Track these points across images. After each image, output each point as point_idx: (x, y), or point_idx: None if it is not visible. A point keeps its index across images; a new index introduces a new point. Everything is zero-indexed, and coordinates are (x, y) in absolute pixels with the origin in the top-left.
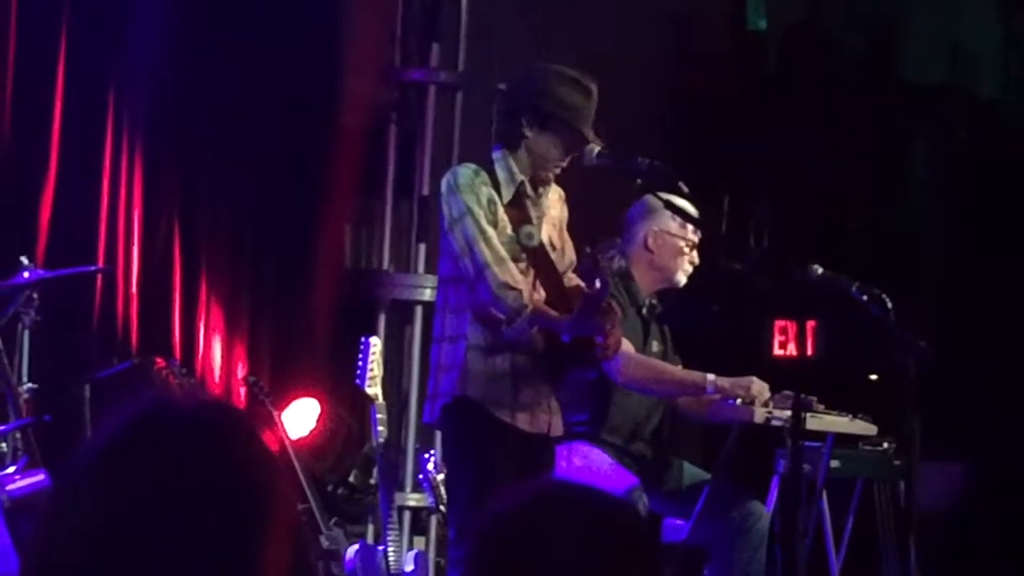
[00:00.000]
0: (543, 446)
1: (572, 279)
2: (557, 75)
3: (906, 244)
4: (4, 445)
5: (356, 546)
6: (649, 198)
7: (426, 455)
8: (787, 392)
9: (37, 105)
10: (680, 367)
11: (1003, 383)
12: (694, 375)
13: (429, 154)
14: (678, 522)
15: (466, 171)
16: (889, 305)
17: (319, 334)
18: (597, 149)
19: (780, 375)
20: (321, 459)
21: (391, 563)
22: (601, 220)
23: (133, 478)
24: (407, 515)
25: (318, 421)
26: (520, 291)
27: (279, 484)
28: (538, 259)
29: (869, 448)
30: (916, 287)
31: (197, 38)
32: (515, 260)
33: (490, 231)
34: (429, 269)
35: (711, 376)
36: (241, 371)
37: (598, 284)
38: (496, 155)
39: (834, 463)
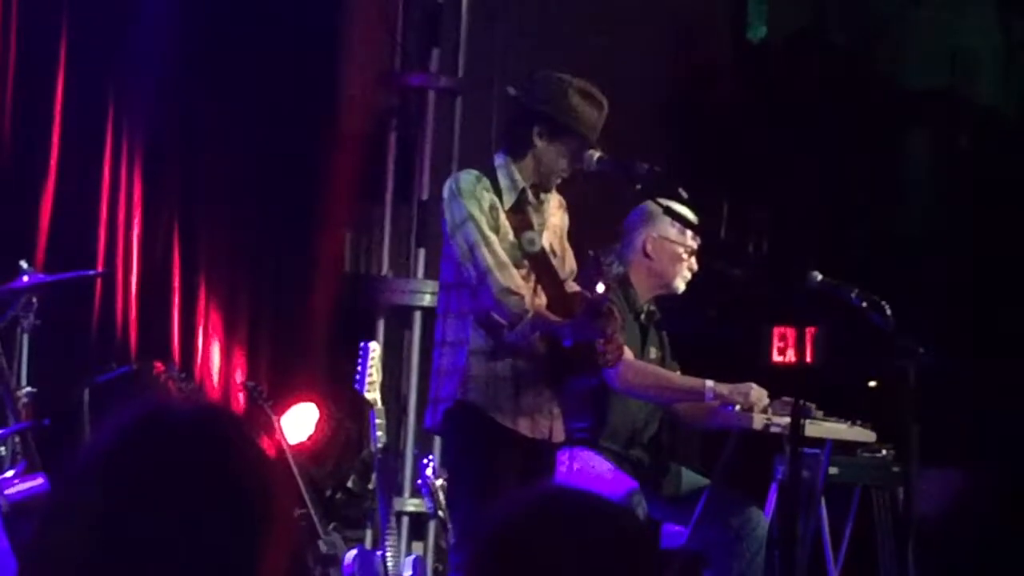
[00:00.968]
0: (544, 451)
1: (572, 287)
2: (574, 87)
3: (906, 250)
4: (3, 449)
5: (354, 551)
6: (648, 204)
7: (425, 460)
8: (786, 398)
9: (37, 109)
10: (679, 373)
11: (1002, 389)
12: (693, 381)
13: (429, 159)
14: (677, 528)
15: (468, 177)
16: (888, 311)
17: (318, 339)
18: (597, 155)
19: (779, 381)
20: (320, 464)
21: (389, 568)
22: (600, 226)
23: (131, 483)
24: (405, 520)
25: (317, 426)
26: (522, 296)
27: (276, 489)
28: (539, 265)
29: (868, 455)
30: (916, 293)
31: (197, 43)
32: (516, 266)
33: (492, 236)
34: (428, 274)
35: (710, 382)
36: (240, 376)
37: (600, 288)
38: (499, 161)
39: (833, 470)
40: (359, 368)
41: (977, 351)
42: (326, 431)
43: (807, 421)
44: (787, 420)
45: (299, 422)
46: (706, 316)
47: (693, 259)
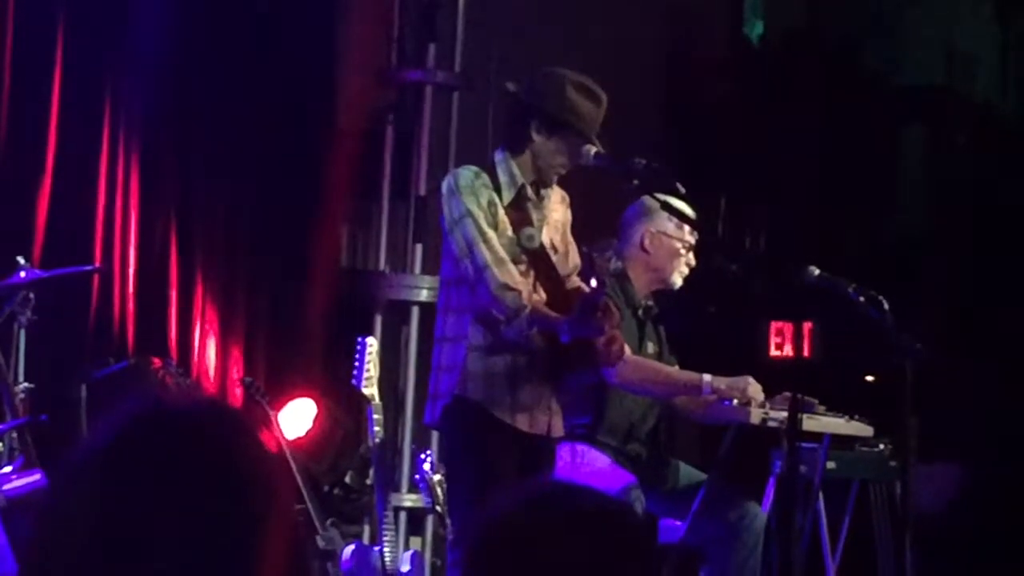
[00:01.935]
0: (543, 447)
1: (575, 282)
2: (571, 82)
3: (903, 246)
4: (0, 445)
5: (352, 546)
6: (646, 199)
7: (422, 455)
8: (786, 394)
9: (34, 105)
10: (676, 368)
11: (1000, 384)
12: (690, 376)
13: (426, 155)
14: (674, 523)
15: (467, 173)
16: (886, 306)
17: (315, 334)
18: (594, 150)
19: (776, 376)
20: (317, 460)
21: (387, 563)
22: (598, 221)
23: (130, 478)
24: (403, 515)
25: (314, 422)
26: (519, 292)
27: (276, 483)
28: (539, 261)
29: (865, 449)
30: (913, 289)
31: (194, 39)
32: (515, 262)
33: (490, 233)
34: (425, 270)
35: (707, 377)
36: (237, 372)
37: (594, 283)
38: (498, 157)
39: (830, 464)
40: (356, 363)
41: (975, 348)
42: (323, 427)
43: (805, 416)
44: (784, 415)
45: (296, 418)
46: (704, 311)
47: (691, 255)
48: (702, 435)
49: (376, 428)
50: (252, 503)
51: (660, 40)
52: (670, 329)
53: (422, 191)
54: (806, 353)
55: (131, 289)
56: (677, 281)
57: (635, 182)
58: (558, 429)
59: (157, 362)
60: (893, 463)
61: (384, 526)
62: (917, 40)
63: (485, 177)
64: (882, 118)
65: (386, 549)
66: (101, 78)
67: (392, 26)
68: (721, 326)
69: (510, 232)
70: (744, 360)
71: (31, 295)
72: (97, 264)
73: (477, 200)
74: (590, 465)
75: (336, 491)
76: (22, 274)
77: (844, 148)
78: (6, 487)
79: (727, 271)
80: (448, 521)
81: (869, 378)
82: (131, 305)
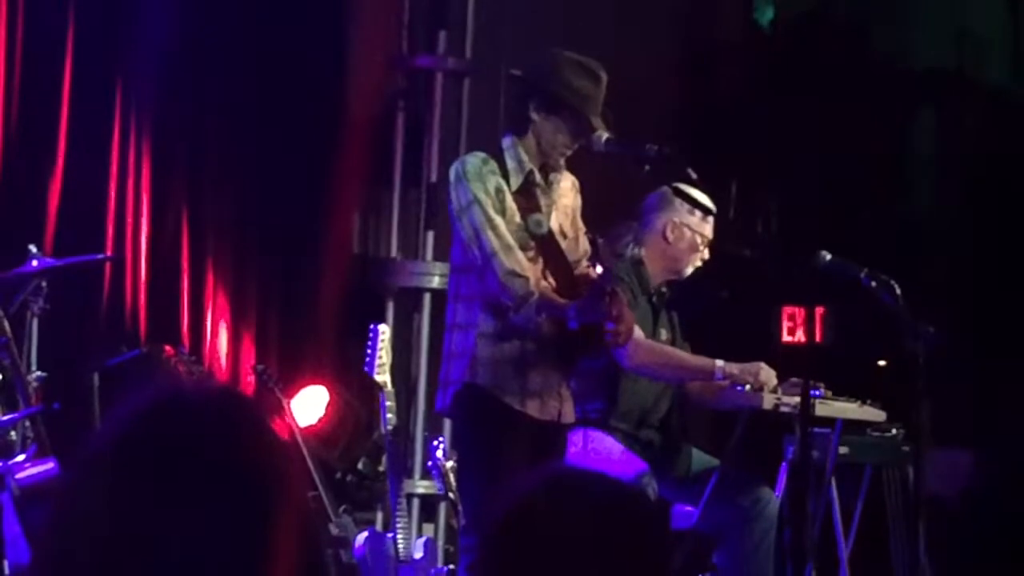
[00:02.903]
0: (554, 433)
1: (585, 268)
2: (566, 60)
3: (914, 231)
4: (14, 433)
5: (365, 533)
6: (668, 189)
7: (435, 442)
8: (796, 380)
9: (45, 93)
10: (689, 353)
11: (1012, 370)
12: (703, 361)
13: (437, 141)
14: (687, 508)
15: (474, 160)
16: (898, 291)
17: (327, 322)
18: (606, 136)
19: (789, 361)
20: (330, 447)
21: (400, 550)
22: (609, 207)
23: (144, 467)
24: (416, 502)
25: (327, 409)
26: (527, 278)
27: (290, 470)
28: (547, 247)
29: (878, 434)
30: (925, 274)
31: (205, 26)
32: (523, 248)
33: (497, 219)
34: (437, 257)
35: (720, 362)
36: (250, 359)
37: (599, 269)
38: (506, 143)
39: (843, 449)
40: (368, 350)
41: (986, 332)
42: (336, 414)
43: (817, 401)
44: (797, 400)
45: (309, 405)
46: (716, 296)
47: (706, 250)
48: (714, 421)
49: (388, 415)
50: (266, 491)
51: (673, 25)
52: (682, 314)
53: (433, 178)
54: (818, 338)
55: (143, 277)
56: (688, 272)
57: (646, 168)
58: (569, 415)
59: (169, 350)
60: (906, 448)
61: (397, 513)
62: (928, 23)
63: (493, 164)
64: (892, 101)
65: (399, 536)
66: (112, 66)
67: (403, 12)
68: (733, 311)
69: (518, 218)
70: (757, 345)
71: (43, 284)
72: (109, 252)
73: (484, 187)
74: (602, 451)
75: (349, 478)
76: (34, 263)
77: (855, 132)
78: (19, 476)
79: (739, 256)
80: (460, 507)
81: (881, 363)
82: (143, 293)
